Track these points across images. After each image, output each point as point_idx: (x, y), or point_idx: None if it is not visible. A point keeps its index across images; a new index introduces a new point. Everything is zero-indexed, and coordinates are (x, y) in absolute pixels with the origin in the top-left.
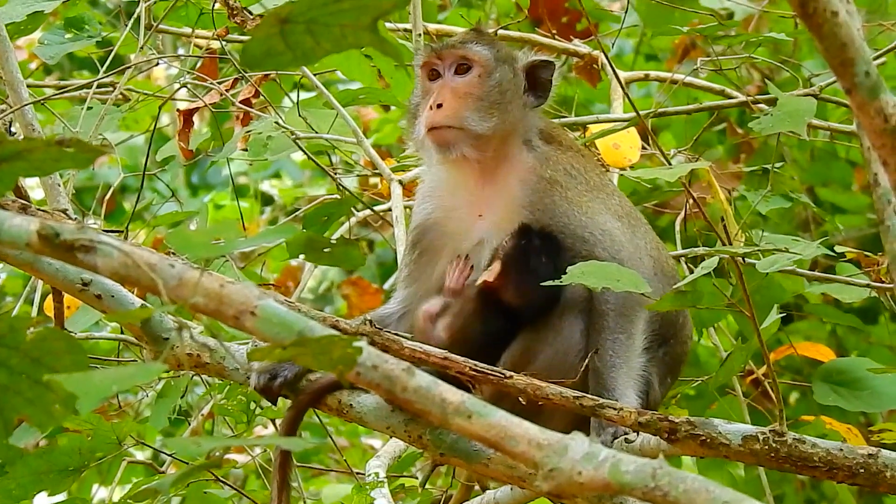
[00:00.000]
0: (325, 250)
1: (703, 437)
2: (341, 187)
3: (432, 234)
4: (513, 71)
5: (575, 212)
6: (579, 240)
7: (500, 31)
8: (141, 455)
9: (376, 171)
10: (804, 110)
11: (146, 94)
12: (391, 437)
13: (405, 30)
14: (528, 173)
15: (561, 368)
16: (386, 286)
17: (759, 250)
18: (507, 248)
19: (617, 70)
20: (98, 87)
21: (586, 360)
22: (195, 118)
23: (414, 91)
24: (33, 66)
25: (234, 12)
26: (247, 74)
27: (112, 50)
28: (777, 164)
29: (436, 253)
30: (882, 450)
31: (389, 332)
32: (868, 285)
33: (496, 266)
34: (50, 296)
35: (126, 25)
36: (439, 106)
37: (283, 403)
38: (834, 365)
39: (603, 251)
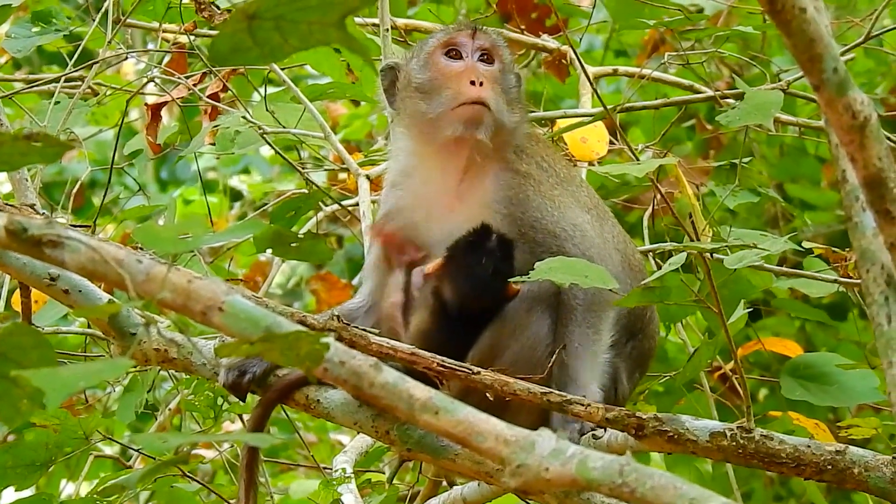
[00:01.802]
0: (293, 245)
1: (671, 434)
2: (309, 182)
3: (397, 227)
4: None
5: (547, 206)
6: (550, 235)
7: None
8: (109, 450)
9: (344, 167)
10: (771, 103)
11: (115, 87)
12: (359, 433)
13: (373, 25)
14: (505, 167)
15: (528, 363)
16: (354, 281)
17: (727, 246)
18: (457, 243)
19: (586, 65)
20: (66, 81)
21: (553, 357)
22: (164, 112)
23: (418, 65)
24: (3, 60)
25: (202, 7)
26: (214, 69)
27: (80, 44)
28: (745, 160)
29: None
30: (849, 447)
31: (357, 327)
32: (836, 281)
33: (440, 259)
34: (17, 290)
35: (94, 20)
36: (481, 84)
37: (252, 399)
38: (802, 360)
39: (573, 247)
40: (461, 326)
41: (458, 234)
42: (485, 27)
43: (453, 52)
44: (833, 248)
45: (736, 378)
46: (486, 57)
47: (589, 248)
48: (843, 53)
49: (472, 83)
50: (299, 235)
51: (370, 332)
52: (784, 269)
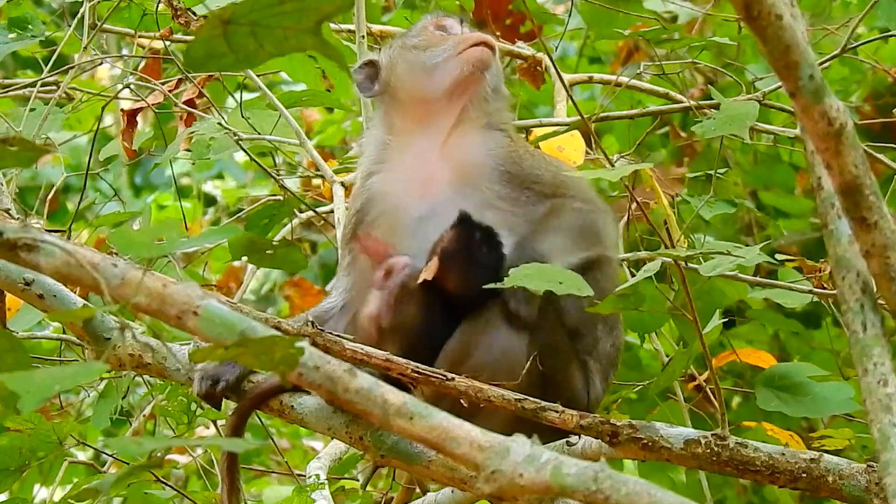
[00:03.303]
0: (268, 252)
1: (645, 441)
2: (284, 189)
3: (375, 210)
4: None
5: (542, 163)
6: (552, 186)
7: None
8: (82, 455)
9: (319, 173)
10: (746, 114)
11: (90, 92)
12: (332, 439)
13: (349, 31)
14: (493, 125)
15: (500, 362)
16: (328, 287)
17: (701, 254)
18: (446, 242)
19: (561, 72)
20: (42, 86)
21: (528, 362)
22: (139, 118)
23: (413, 35)
24: None
25: (178, 13)
26: (190, 75)
27: (56, 49)
28: (720, 170)
29: (376, 229)
30: (824, 455)
31: (331, 332)
32: (811, 291)
33: (434, 262)
34: None
35: (70, 25)
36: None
37: (227, 405)
38: (776, 371)
39: (577, 200)
40: (448, 318)
41: (443, 201)
42: (469, 20)
43: (444, 32)
44: (807, 260)
45: (710, 388)
46: None
47: (593, 200)
48: (820, 64)
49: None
50: (274, 243)
51: (344, 338)
52: (758, 279)
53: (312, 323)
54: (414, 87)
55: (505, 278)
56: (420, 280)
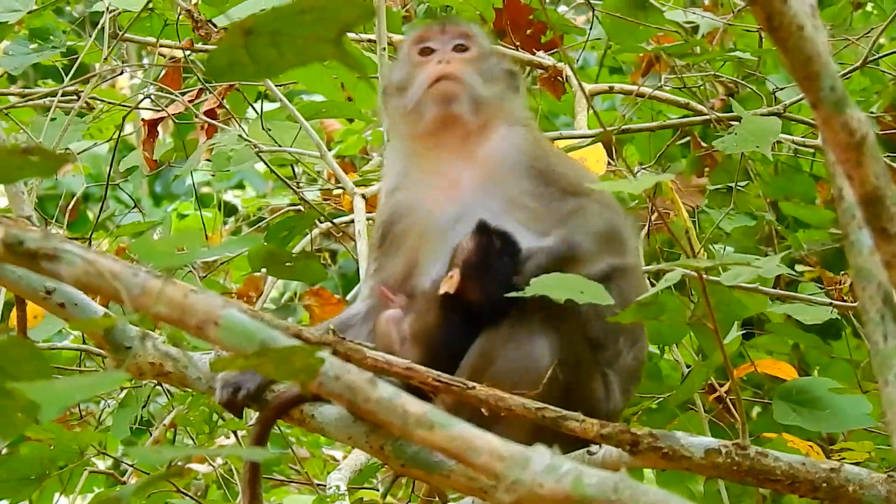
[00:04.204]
0: (287, 264)
1: (666, 450)
2: (304, 200)
3: (403, 222)
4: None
5: (566, 162)
6: (576, 191)
7: None
8: (102, 464)
9: (339, 185)
10: (768, 129)
11: (111, 102)
12: (353, 450)
13: (369, 41)
14: (513, 122)
15: (522, 370)
16: (349, 297)
17: (722, 264)
18: (466, 254)
19: (582, 83)
20: (62, 95)
21: (549, 370)
22: (159, 128)
23: (396, 69)
24: None
25: (199, 25)
26: (209, 86)
27: (78, 58)
28: (741, 183)
29: (406, 239)
30: (844, 464)
31: (353, 341)
32: (831, 304)
33: (455, 275)
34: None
35: (90, 35)
36: (448, 62)
37: (247, 414)
38: (794, 384)
39: (599, 205)
40: (469, 325)
41: (472, 202)
42: (456, 19)
43: (426, 50)
44: (827, 273)
45: (731, 398)
46: (461, 47)
47: (614, 205)
48: (842, 76)
49: (439, 62)
50: (293, 254)
51: (365, 346)
52: (777, 291)
53: (333, 331)
54: (404, 130)
55: (524, 284)
56: (441, 293)
